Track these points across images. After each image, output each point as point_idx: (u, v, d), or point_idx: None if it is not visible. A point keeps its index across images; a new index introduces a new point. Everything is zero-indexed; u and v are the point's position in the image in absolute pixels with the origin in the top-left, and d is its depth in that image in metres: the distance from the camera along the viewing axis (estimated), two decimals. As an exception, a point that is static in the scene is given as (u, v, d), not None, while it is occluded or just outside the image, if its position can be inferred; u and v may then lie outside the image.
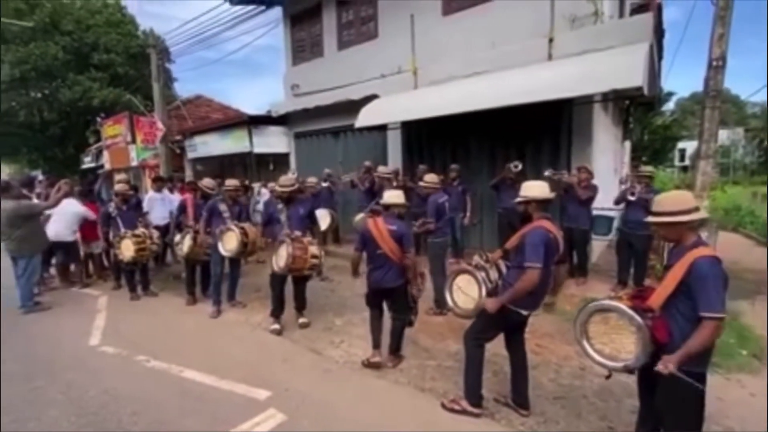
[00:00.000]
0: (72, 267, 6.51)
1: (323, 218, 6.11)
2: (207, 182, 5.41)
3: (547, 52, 5.75)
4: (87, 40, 17.41)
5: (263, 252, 5.31)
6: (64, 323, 4.85)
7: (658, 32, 7.36)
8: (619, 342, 2.09)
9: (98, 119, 15.89)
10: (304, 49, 9.67)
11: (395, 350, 3.61)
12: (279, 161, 10.30)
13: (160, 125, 11.40)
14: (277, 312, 4.41)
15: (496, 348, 3.05)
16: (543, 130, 6.06)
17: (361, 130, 7.71)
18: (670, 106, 26.73)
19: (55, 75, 17.06)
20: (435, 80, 6.85)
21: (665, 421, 2.14)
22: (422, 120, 6.36)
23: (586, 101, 5.55)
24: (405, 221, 3.71)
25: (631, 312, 2.02)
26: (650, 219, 2.13)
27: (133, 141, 12.98)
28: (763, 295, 4.85)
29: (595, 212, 5.31)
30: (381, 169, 6.16)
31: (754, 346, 3.76)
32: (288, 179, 4.48)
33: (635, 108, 9.94)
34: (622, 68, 4.45)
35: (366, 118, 7.00)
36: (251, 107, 31.74)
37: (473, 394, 2.82)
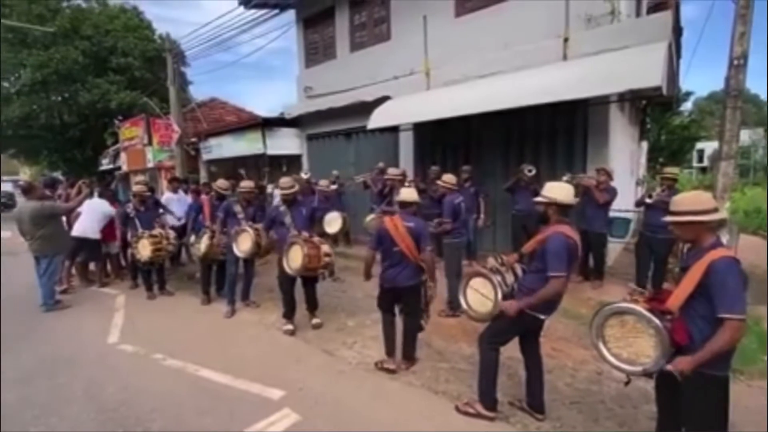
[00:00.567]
0: (91, 266, 6.66)
1: (334, 221, 6.13)
2: (220, 183, 5.51)
3: (562, 53, 5.68)
4: (105, 45, 17.84)
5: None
6: (83, 321, 4.97)
7: (676, 31, 7.21)
8: (638, 345, 2.04)
9: (116, 121, 16.26)
10: (317, 51, 9.75)
11: (410, 356, 3.59)
12: (292, 163, 10.39)
13: (175, 127, 11.62)
14: (289, 313, 4.45)
15: (511, 351, 3.02)
16: (558, 131, 5.99)
17: (374, 131, 7.73)
18: (688, 106, 26.12)
19: (74, 78, 17.49)
20: (448, 81, 6.83)
21: (688, 428, 2.09)
22: (434, 121, 6.35)
23: (602, 101, 5.47)
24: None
25: (648, 314, 1.98)
26: (668, 219, 2.09)
27: (150, 143, 13.25)
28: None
29: (611, 214, 5.22)
30: (391, 170, 6.16)
31: (777, 353, 3.66)
32: (287, 181, 4.45)
33: (652, 108, 9.77)
34: (640, 68, 4.37)
35: (378, 119, 7.01)
36: (265, 109, 32.08)
37: (488, 397, 2.80)
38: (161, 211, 6.38)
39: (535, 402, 2.84)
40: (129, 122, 14.96)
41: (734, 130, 4.20)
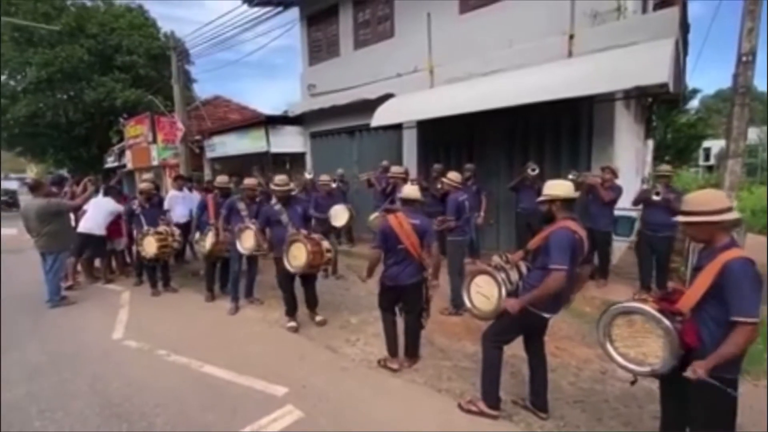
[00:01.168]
0: (97, 262, 6.71)
1: (341, 214, 6.13)
2: (220, 179, 5.54)
3: (567, 50, 5.64)
4: (111, 43, 17.93)
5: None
6: (88, 317, 5.01)
7: (683, 27, 7.14)
8: (646, 346, 2.01)
9: (121, 120, 16.37)
10: (321, 49, 9.74)
11: (412, 353, 3.59)
12: (295, 161, 10.41)
13: (180, 125, 11.66)
14: (291, 311, 4.46)
15: (514, 349, 3.01)
16: (562, 129, 5.95)
17: (377, 129, 7.73)
18: (694, 103, 25.89)
19: (80, 77, 17.60)
20: (451, 79, 6.80)
21: (695, 429, 2.07)
22: (438, 119, 6.32)
23: (608, 99, 5.42)
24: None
25: (658, 315, 1.95)
26: (680, 218, 2.04)
27: (154, 141, 13.32)
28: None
29: (616, 213, 5.19)
30: (394, 168, 6.15)
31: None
32: (282, 179, 4.43)
33: (658, 106, 9.67)
34: (646, 65, 4.33)
35: (381, 117, 7.00)
36: (268, 107, 32.08)
37: (491, 396, 2.79)
38: (167, 207, 6.41)
39: (538, 401, 2.82)
40: (134, 120, 15.04)
41: (742, 128, 4.14)
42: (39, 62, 16.57)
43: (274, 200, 4.51)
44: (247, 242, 4.75)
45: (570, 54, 5.62)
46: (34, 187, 5.45)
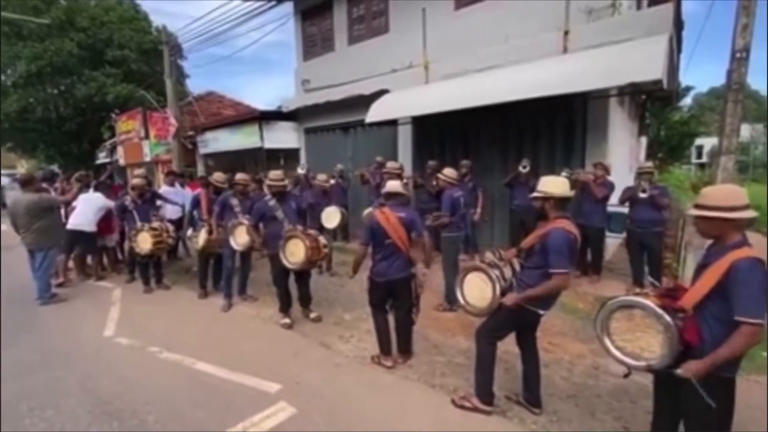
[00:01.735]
0: (89, 259, 6.63)
1: (333, 216, 6.08)
2: (218, 176, 5.46)
3: (562, 46, 5.63)
4: (101, 37, 17.66)
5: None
6: (79, 315, 4.95)
7: (677, 24, 7.15)
8: (644, 340, 1.99)
9: (112, 115, 16.14)
10: (315, 44, 9.66)
11: (406, 349, 3.58)
12: (289, 156, 10.34)
13: (172, 121, 11.54)
14: (285, 307, 4.43)
15: (507, 345, 3.01)
16: (557, 126, 5.96)
17: (372, 125, 7.67)
18: (687, 101, 26.08)
19: (70, 71, 17.34)
20: (447, 75, 6.77)
21: (690, 427, 2.06)
22: (433, 115, 6.29)
23: (602, 95, 5.43)
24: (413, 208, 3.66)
25: (659, 310, 1.92)
26: (693, 212, 1.98)
27: (147, 136, 13.17)
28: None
29: (609, 209, 5.20)
30: (389, 164, 6.12)
31: (774, 348, 3.65)
32: (277, 174, 4.40)
33: (652, 103, 9.71)
34: (640, 61, 4.33)
35: (376, 113, 6.96)
36: (262, 103, 31.88)
37: (484, 391, 2.79)
38: (159, 203, 6.33)
39: (531, 396, 2.83)
40: (125, 115, 14.86)
41: (735, 124, 4.16)
42: (28, 56, 16.30)
43: (268, 195, 4.46)
44: (240, 238, 4.71)
45: (565, 50, 5.61)
46: (25, 182, 5.36)
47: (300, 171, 7.53)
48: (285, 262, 4.11)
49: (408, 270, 3.39)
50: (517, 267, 2.86)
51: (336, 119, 9.14)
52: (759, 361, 3.48)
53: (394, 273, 3.34)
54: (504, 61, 6.04)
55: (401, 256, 3.34)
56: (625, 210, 5.21)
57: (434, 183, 5.69)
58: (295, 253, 4.08)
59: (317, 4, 9.30)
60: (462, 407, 2.85)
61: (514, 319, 2.68)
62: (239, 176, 5.07)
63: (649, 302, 1.98)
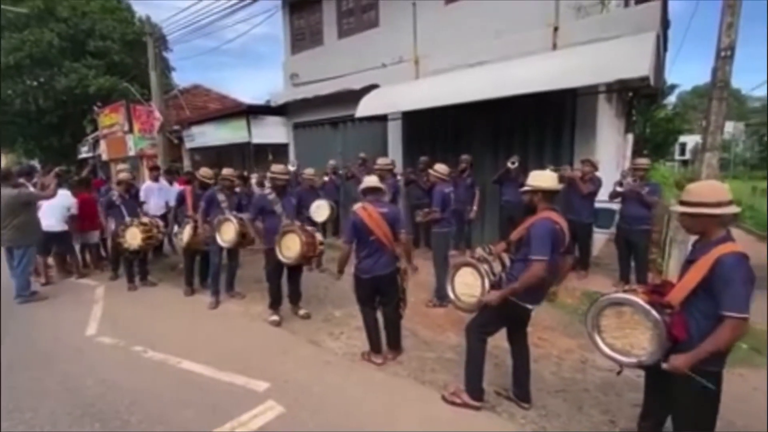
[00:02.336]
0: (68, 258, 6.45)
1: (321, 209, 6.01)
2: (204, 172, 5.36)
3: (551, 42, 5.64)
4: (82, 27, 17.12)
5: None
6: (60, 313, 4.81)
7: (664, 23, 7.23)
8: (633, 337, 2.01)
9: (95, 108, 15.69)
10: (304, 37, 9.52)
11: (395, 345, 3.56)
12: (278, 152, 10.20)
13: (157, 114, 11.28)
14: (275, 304, 4.38)
15: (497, 340, 3.01)
16: (546, 122, 5.98)
17: (362, 120, 7.62)
18: (671, 99, 26.58)
19: (50, 62, 16.78)
20: (437, 70, 6.74)
21: (677, 420, 2.09)
22: (424, 111, 6.27)
23: (591, 92, 5.46)
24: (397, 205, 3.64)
25: (647, 307, 1.94)
26: (678, 208, 2.00)
27: (131, 130, 12.84)
28: (763, 290, 4.82)
29: (597, 205, 5.25)
30: (380, 160, 6.06)
31: (755, 340, 3.73)
32: (280, 168, 4.35)
33: (638, 100, 9.83)
34: (628, 58, 4.36)
35: (366, 108, 6.90)
36: (250, 97, 31.39)
37: (474, 387, 2.79)
38: (142, 199, 6.20)
39: (521, 391, 2.84)
40: (108, 108, 14.46)
41: (719, 122, 4.23)
42: (6, 47, 15.72)
43: (267, 190, 4.40)
44: (227, 234, 4.63)
45: (555, 46, 5.62)
46: (3, 177, 5.16)
47: (290, 168, 7.44)
48: (280, 256, 4.06)
49: (393, 265, 3.37)
50: (507, 261, 2.87)
51: (325, 114, 9.04)
52: (739, 353, 3.56)
53: (381, 269, 3.31)
54: (494, 57, 6.04)
55: (386, 252, 3.31)
56: (613, 206, 5.27)
57: (425, 179, 5.68)
58: (290, 247, 4.03)
59: (306, -4, 9.16)
60: (452, 403, 2.84)
61: (504, 315, 2.68)
62: (226, 171, 4.97)
63: (637, 299, 2.00)
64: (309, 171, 6.45)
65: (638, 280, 4.65)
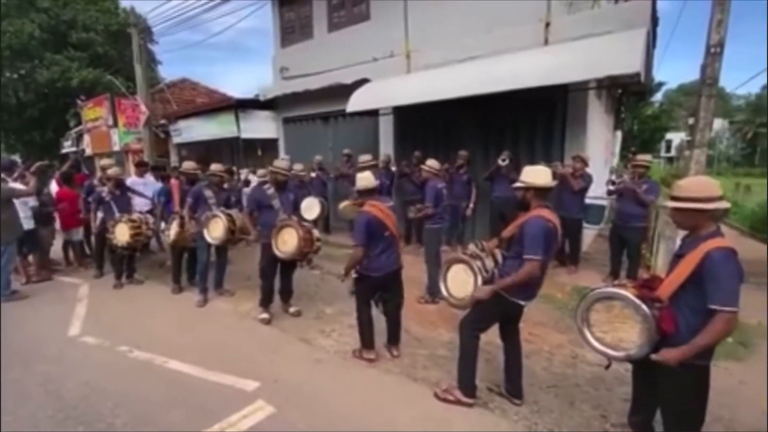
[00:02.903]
0: (52, 254, 6.26)
1: (312, 207, 5.93)
2: (187, 165, 5.24)
3: (543, 37, 5.63)
4: (64, 18, 16.64)
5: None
6: (42, 313, 4.68)
7: (652, 20, 7.28)
8: (623, 331, 2.02)
9: (78, 101, 15.29)
10: (293, 30, 9.37)
11: (397, 340, 3.55)
12: (267, 147, 10.06)
13: (143, 108, 11.01)
14: (266, 301, 4.31)
15: (489, 336, 3.00)
16: (537, 118, 5.98)
17: (353, 115, 7.53)
18: (658, 96, 26.97)
19: (31, 54, 16.30)
20: (429, 64, 6.69)
21: (666, 414, 2.10)
22: (415, 105, 6.22)
23: (581, 88, 5.47)
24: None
25: (637, 301, 1.95)
26: (668, 204, 2.02)
27: (115, 124, 12.54)
28: (746, 284, 4.91)
29: (586, 201, 5.28)
30: (362, 158, 5.96)
31: (740, 334, 3.79)
32: (282, 163, 4.33)
33: (627, 97, 9.93)
34: (620, 54, 4.36)
35: (357, 102, 6.82)
36: (238, 91, 30.86)
37: (467, 384, 2.78)
38: (129, 195, 6.03)
39: (513, 387, 2.84)
40: (92, 102, 14.09)
41: (708, 118, 4.26)
42: (-17, 38, 15.21)
43: (267, 185, 4.33)
44: (215, 231, 4.53)
45: (546, 41, 5.61)
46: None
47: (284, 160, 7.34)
48: (276, 250, 4.01)
49: (400, 260, 3.38)
50: (500, 258, 2.85)
51: (316, 109, 8.93)
52: (725, 346, 3.61)
53: (392, 265, 3.30)
54: (486, 52, 6.01)
55: (397, 247, 3.32)
56: (603, 202, 5.30)
57: (418, 174, 5.64)
58: (287, 241, 3.98)
59: (295, -12, 9.00)
60: (444, 400, 2.83)
61: (497, 311, 2.67)
62: (215, 167, 4.86)
63: (627, 293, 2.00)
64: (298, 166, 6.36)
65: (629, 276, 4.68)
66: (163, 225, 5.36)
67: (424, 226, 4.68)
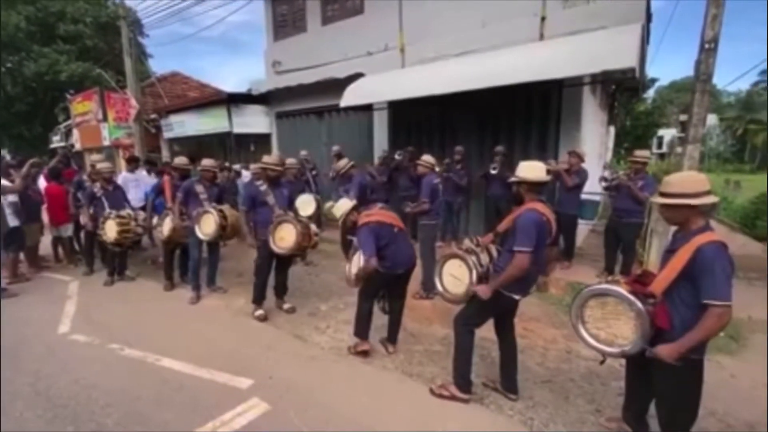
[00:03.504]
0: (42, 250, 6.14)
1: (308, 204, 5.87)
2: (179, 160, 5.16)
3: (538, 32, 5.60)
4: (52, 10, 16.31)
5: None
6: (31, 311, 4.59)
7: (647, 16, 7.28)
8: (617, 327, 2.02)
9: (67, 95, 15.00)
10: (286, 23, 9.24)
11: (395, 338, 3.53)
12: (260, 142, 9.95)
13: (133, 102, 10.83)
14: (260, 298, 4.27)
15: (484, 332, 3.00)
16: (532, 113, 5.97)
17: (347, 109, 7.47)
18: (650, 93, 27.14)
19: (18, 47, 15.96)
20: (423, 59, 6.64)
21: (661, 408, 2.11)
22: (410, 100, 6.17)
23: (576, 84, 5.46)
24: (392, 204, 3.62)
25: (631, 297, 1.95)
26: (657, 200, 2.03)
27: (105, 119, 12.31)
28: (736, 279, 4.95)
29: (582, 197, 5.28)
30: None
31: (731, 328, 3.83)
32: (273, 158, 4.28)
33: (621, 93, 9.95)
34: (616, 49, 4.35)
35: (351, 97, 6.75)
36: (230, 85, 30.55)
37: (462, 379, 2.78)
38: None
39: (508, 383, 2.84)
40: (81, 96, 13.81)
41: (702, 114, 4.27)
42: (-33, 29, 14.85)
43: (259, 181, 4.28)
44: (207, 227, 4.47)
45: (541, 36, 5.59)
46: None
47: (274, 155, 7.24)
48: (273, 246, 3.97)
49: (414, 259, 3.36)
50: (495, 253, 2.85)
51: (309, 103, 8.84)
52: (717, 340, 3.65)
53: (408, 261, 3.28)
54: (481, 46, 5.97)
55: (407, 241, 3.35)
56: (597, 198, 5.31)
57: (413, 169, 5.59)
58: (285, 237, 3.96)
59: (288, -19, 8.86)
60: (440, 396, 2.82)
61: (492, 306, 2.66)
62: (206, 162, 4.79)
63: (621, 289, 2.01)
64: (291, 161, 6.28)
65: (623, 272, 4.70)
66: (155, 220, 5.28)
67: (419, 222, 4.65)
